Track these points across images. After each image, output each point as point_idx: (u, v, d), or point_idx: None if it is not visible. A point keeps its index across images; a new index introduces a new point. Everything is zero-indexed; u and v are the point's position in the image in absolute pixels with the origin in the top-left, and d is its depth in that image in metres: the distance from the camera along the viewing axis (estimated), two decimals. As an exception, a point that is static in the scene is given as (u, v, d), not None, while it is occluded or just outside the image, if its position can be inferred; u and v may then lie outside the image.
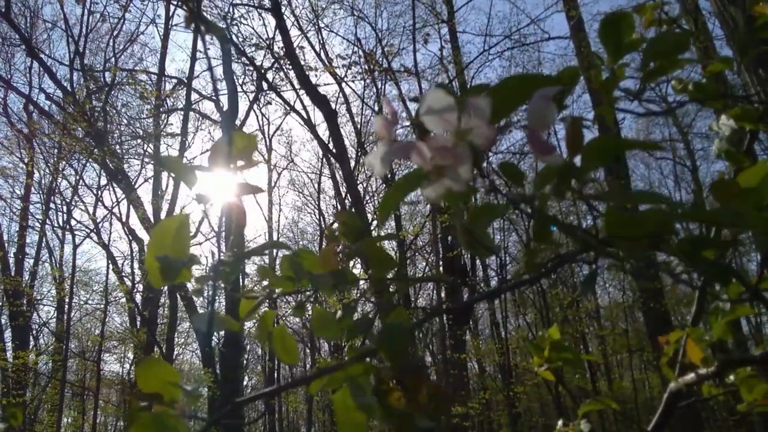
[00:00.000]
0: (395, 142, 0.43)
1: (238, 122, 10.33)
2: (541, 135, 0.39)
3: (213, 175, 0.54)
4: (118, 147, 10.84)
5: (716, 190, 0.38)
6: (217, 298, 0.56)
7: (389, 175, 10.52)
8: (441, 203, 0.41)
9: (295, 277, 0.56)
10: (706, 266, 0.36)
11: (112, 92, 11.04)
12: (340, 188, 10.69)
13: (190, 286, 0.58)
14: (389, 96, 11.68)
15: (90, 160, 10.44)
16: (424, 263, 13.48)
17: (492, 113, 0.37)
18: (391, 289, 0.59)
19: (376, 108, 11.27)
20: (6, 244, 12.13)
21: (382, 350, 0.46)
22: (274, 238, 13.49)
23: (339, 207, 11.34)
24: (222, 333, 9.13)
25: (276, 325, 0.65)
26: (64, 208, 13.37)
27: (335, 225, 0.59)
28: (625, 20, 0.53)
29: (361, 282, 0.60)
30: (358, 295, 0.64)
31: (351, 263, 0.58)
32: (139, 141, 11.45)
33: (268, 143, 13.66)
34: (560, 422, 1.28)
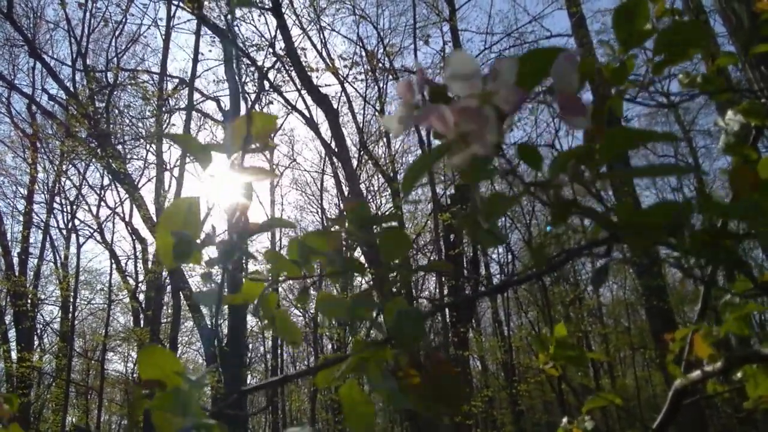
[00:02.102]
0: (416, 107, 0.42)
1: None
2: (570, 95, 0.38)
3: (228, 156, 0.54)
4: (120, 147, 10.85)
5: (735, 179, 0.37)
6: (223, 277, 0.55)
7: (392, 174, 10.51)
8: (463, 169, 0.40)
9: (302, 259, 0.56)
10: (724, 255, 0.35)
11: (115, 92, 11.06)
12: (343, 187, 10.69)
13: (194, 285, 0.57)
14: (392, 96, 11.67)
15: (93, 160, 10.46)
16: (427, 262, 13.47)
17: (520, 81, 0.36)
18: (393, 279, 0.59)
19: (378, 107, 11.27)
20: (10, 245, 12.16)
21: (398, 337, 0.45)
22: (276, 236, 13.50)
23: (341, 206, 11.33)
24: (226, 332, 9.14)
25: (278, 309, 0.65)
26: (68, 208, 13.41)
27: (343, 213, 0.58)
28: (639, 8, 0.53)
29: (367, 276, 0.60)
30: (366, 286, 0.63)
31: (354, 251, 0.58)
32: (141, 141, 11.47)
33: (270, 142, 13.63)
34: (565, 419, 1.28)
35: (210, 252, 0.56)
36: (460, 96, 0.39)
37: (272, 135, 0.56)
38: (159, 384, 0.52)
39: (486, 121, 0.37)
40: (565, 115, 0.39)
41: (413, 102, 0.42)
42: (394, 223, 0.57)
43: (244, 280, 0.62)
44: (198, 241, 0.54)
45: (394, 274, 0.56)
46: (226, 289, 0.57)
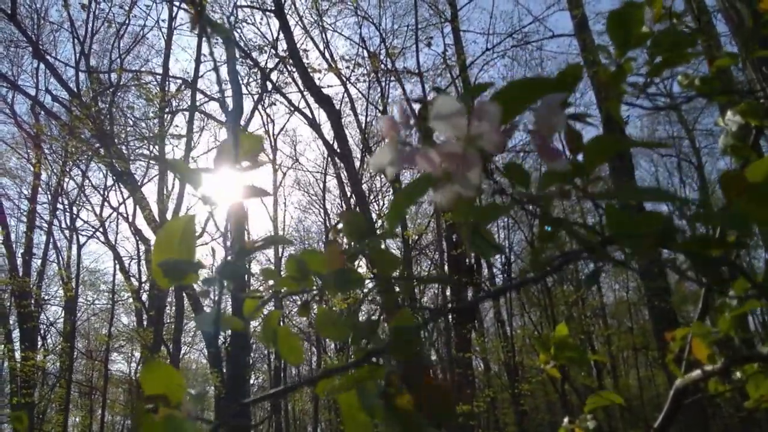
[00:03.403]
0: (403, 144, 0.43)
1: (242, 122, 10.35)
2: (549, 141, 0.39)
3: (219, 176, 0.54)
4: (124, 148, 10.88)
5: (725, 184, 0.37)
6: (223, 298, 0.56)
7: (395, 176, 10.51)
8: (449, 208, 0.41)
9: (300, 277, 0.56)
10: (709, 266, 0.36)
11: (118, 93, 11.09)
12: (345, 188, 10.70)
13: (197, 287, 0.58)
14: (394, 97, 11.68)
15: (96, 160, 10.49)
16: (429, 262, 13.47)
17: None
18: (396, 290, 0.59)
19: (381, 108, 11.28)
20: (14, 245, 12.20)
21: (394, 353, 0.45)
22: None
23: (344, 206, 11.35)
24: (229, 332, 9.16)
25: (281, 324, 0.65)
26: (71, 208, 13.45)
27: (340, 225, 0.59)
28: (633, 13, 0.53)
29: (367, 282, 0.60)
30: (363, 296, 0.64)
31: (356, 263, 0.58)
32: (144, 142, 11.50)
33: (272, 143, 13.69)
34: (566, 419, 1.28)
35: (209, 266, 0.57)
36: (444, 138, 0.39)
37: (261, 153, 0.56)
38: (162, 398, 0.52)
39: (470, 163, 0.38)
40: (543, 157, 0.40)
41: (400, 140, 0.43)
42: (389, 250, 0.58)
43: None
44: (193, 261, 0.55)
45: (396, 286, 0.56)
46: (229, 307, 0.57)
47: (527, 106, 0.39)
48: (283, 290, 0.60)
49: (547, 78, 0.39)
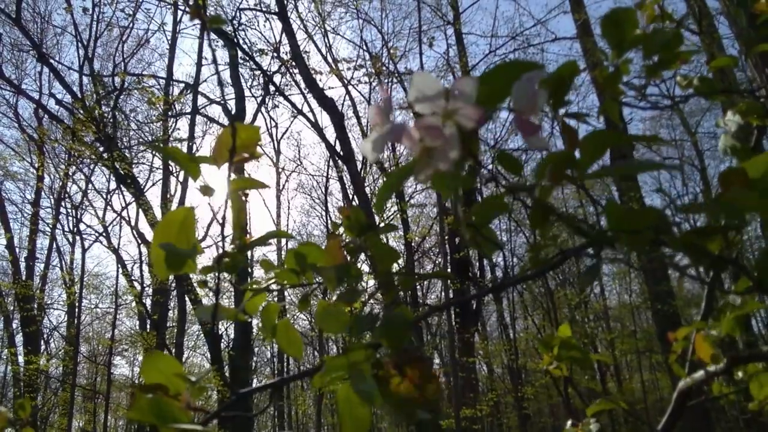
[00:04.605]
0: (389, 125, 0.43)
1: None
2: (525, 115, 0.40)
3: (217, 167, 0.54)
4: (127, 151, 10.91)
5: (724, 180, 0.37)
6: (223, 292, 0.56)
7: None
8: (429, 184, 0.41)
9: (300, 270, 0.56)
10: (706, 256, 0.36)
11: (121, 97, 11.13)
12: (348, 190, 10.71)
13: (195, 280, 0.58)
14: (394, 97, 11.68)
15: (99, 164, 10.52)
16: (432, 265, 13.46)
17: (483, 99, 0.38)
18: (396, 286, 0.59)
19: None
20: (17, 249, 12.23)
21: (384, 339, 0.46)
22: (282, 240, 13.51)
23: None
24: (231, 336, 9.15)
25: (281, 318, 0.65)
26: (74, 212, 13.48)
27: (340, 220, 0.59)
28: (627, 16, 0.53)
29: (370, 281, 0.60)
30: (367, 296, 0.64)
31: (356, 259, 0.58)
32: (147, 145, 11.52)
33: (276, 146, 13.72)
34: (569, 422, 1.28)
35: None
36: (423, 114, 0.40)
37: (258, 145, 0.56)
38: (161, 388, 0.52)
39: (447, 138, 0.39)
40: (521, 134, 0.40)
41: (384, 124, 0.43)
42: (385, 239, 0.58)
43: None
44: (191, 250, 0.55)
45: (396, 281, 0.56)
46: (232, 301, 0.57)
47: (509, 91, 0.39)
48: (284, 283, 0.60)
49: (532, 61, 0.40)
